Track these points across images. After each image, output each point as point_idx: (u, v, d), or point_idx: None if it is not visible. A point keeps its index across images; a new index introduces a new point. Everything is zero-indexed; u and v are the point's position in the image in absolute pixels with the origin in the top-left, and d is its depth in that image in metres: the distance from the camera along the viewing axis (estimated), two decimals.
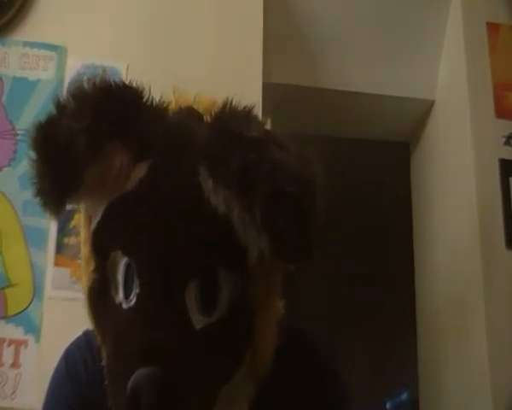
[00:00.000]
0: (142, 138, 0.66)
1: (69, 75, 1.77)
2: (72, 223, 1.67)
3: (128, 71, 1.78)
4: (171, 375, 0.60)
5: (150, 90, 0.68)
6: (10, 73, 1.78)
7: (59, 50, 1.80)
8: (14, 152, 1.72)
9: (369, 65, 2.19)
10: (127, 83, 0.67)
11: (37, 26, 1.82)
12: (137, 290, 0.65)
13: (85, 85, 0.65)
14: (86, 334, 0.82)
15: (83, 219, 0.73)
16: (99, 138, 0.63)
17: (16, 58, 1.79)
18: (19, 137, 1.73)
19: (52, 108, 0.65)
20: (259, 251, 0.64)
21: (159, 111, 0.69)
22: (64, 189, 0.64)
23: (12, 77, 1.77)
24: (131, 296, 0.65)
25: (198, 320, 0.64)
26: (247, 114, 0.67)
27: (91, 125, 0.62)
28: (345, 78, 2.18)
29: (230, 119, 0.65)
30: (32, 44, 1.80)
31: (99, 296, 0.69)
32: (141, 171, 0.67)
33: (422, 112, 2.31)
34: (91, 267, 0.70)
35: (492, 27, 2.07)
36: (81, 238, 0.74)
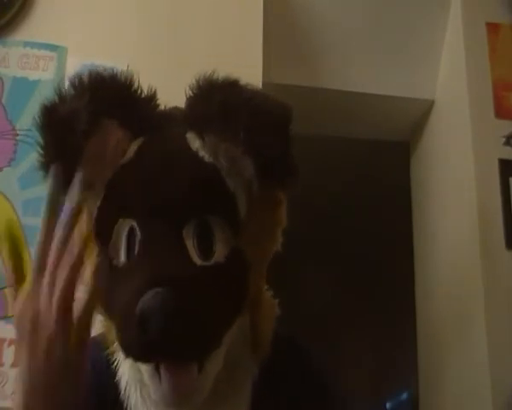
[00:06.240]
0: (135, 119, 0.74)
1: (69, 75, 1.76)
2: None
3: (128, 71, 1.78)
4: (180, 296, 0.63)
5: (139, 80, 0.76)
6: (10, 73, 1.77)
7: (59, 50, 1.80)
8: (14, 152, 1.72)
9: (369, 65, 2.19)
10: (118, 74, 0.75)
11: (37, 26, 1.82)
12: (139, 238, 0.70)
13: (82, 77, 0.73)
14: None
15: (86, 218, 0.76)
16: (97, 114, 0.71)
17: (16, 58, 1.78)
18: (19, 137, 1.73)
19: (54, 98, 0.73)
20: (247, 196, 0.72)
21: (148, 96, 0.78)
22: (66, 156, 0.70)
23: (12, 77, 1.77)
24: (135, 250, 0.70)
25: (197, 262, 0.70)
26: (226, 78, 0.74)
27: (90, 105, 0.70)
28: (345, 78, 2.18)
29: (208, 82, 0.73)
30: (32, 44, 1.80)
31: (105, 268, 0.73)
32: (135, 146, 0.74)
33: (422, 112, 2.31)
34: (95, 254, 0.74)
35: (492, 27, 2.07)
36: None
